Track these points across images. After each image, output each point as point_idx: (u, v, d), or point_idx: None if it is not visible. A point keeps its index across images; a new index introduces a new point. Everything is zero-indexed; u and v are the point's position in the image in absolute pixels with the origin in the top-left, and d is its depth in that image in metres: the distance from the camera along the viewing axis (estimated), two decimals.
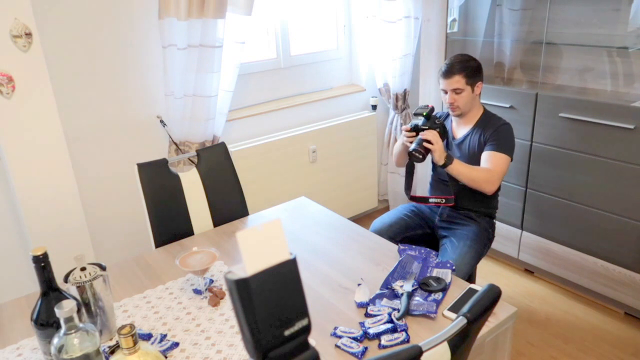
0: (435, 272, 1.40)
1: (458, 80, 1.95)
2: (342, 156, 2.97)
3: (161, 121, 2.34)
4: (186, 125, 2.30)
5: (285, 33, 2.78)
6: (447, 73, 1.97)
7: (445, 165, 1.90)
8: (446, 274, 1.39)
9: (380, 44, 2.88)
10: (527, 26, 2.73)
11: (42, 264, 1.05)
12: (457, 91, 1.96)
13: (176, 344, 1.18)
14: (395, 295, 1.31)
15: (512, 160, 1.97)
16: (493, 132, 1.97)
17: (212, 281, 1.43)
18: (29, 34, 1.77)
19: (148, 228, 1.75)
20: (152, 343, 1.18)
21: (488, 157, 1.94)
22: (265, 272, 0.56)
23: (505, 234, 2.64)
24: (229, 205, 1.89)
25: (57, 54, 2.03)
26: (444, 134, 1.98)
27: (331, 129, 2.88)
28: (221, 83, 2.32)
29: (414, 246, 1.53)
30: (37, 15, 1.87)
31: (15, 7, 1.73)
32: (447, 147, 2.11)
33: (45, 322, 1.06)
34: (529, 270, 2.65)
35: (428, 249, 1.51)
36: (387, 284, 1.36)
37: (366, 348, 1.13)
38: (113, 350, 1.15)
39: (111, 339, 1.21)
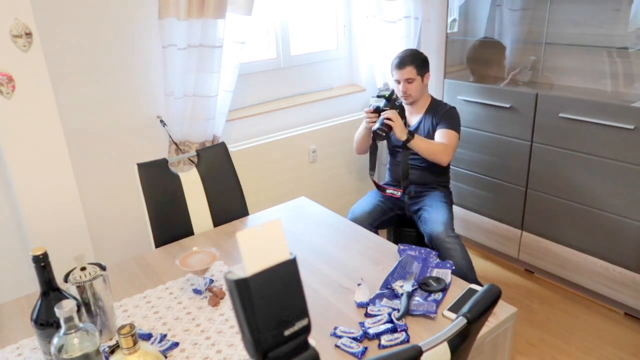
0: (435, 272, 1.40)
1: (410, 71, 2.20)
2: (342, 156, 2.97)
3: (161, 121, 2.34)
4: (186, 125, 2.30)
5: (285, 33, 2.78)
6: (400, 64, 2.22)
7: (407, 141, 2.13)
8: (446, 274, 1.39)
9: (380, 44, 2.88)
10: (527, 26, 2.72)
11: (42, 264, 1.05)
12: (409, 80, 2.21)
13: (176, 344, 1.18)
14: (395, 295, 1.31)
15: (459, 137, 2.24)
16: (443, 114, 2.25)
17: (212, 281, 1.43)
18: (29, 34, 1.77)
19: (148, 228, 1.75)
20: (152, 343, 1.18)
21: (442, 134, 2.19)
22: (265, 272, 0.56)
23: (505, 234, 2.64)
24: (229, 205, 1.89)
25: (57, 54, 2.03)
26: (402, 113, 2.21)
27: (331, 129, 2.88)
28: (221, 83, 2.32)
29: (414, 246, 1.53)
30: (37, 15, 1.87)
31: (15, 7, 1.73)
32: None
33: (45, 322, 1.06)
34: (529, 270, 2.65)
35: (428, 249, 1.51)
36: (387, 284, 1.36)
37: (366, 348, 1.13)
38: (113, 350, 1.15)
39: (111, 339, 1.21)
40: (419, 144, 2.15)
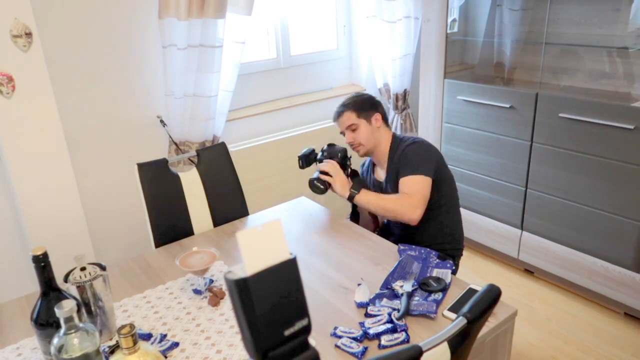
0: (435, 272, 1.40)
1: (349, 117, 1.84)
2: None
3: (161, 121, 2.34)
4: (186, 125, 2.30)
5: (285, 33, 2.78)
6: (337, 115, 1.89)
7: (351, 197, 1.75)
8: (446, 274, 1.39)
9: (380, 44, 2.88)
10: (527, 26, 2.73)
11: (42, 264, 1.05)
12: (352, 127, 1.83)
13: (176, 344, 1.18)
14: (395, 295, 1.31)
15: (432, 177, 1.70)
16: (400, 158, 1.77)
17: (212, 281, 1.43)
18: (29, 34, 1.77)
19: (148, 228, 1.75)
20: (152, 343, 1.18)
21: (401, 185, 1.72)
22: (265, 272, 0.56)
23: (505, 234, 2.64)
24: (229, 205, 1.89)
25: (57, 54, 2.03)
26: (344, 164, 1.86)
27: (331, 129, 2.88)
28: (221, 83, 2.32)
29: (414, 246, 1.53)
30: (37, 15, 1.87)
31: (15, 7, 1.73)
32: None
33: (45, 322, 1.06)
34: (529, 270, 2.65)
35: (428, 249, 1.51)
36: (387, 284, 1.36)
37: (366, 348, 1.13)
38: (113, 350, 1.15)
39: (111, 339, 1.21)
40: (368, 199, 1.72)
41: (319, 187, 1.81)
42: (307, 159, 1.93)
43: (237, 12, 2.25)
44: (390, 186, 1.82)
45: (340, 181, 1.78)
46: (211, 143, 2.39)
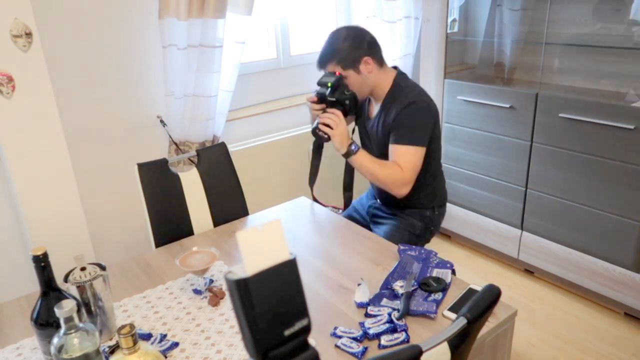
0: (435, 272, 1.40)
1: (333, 69, 1.71)
2: (342, 156, 2.96)
3: (161, 121, 2.34)
4: (186, 125, 2.30)
5: (285, 33, 2.78)
6: (319, 66, 1.75)
7: (347, 155, 1.67)
8: (446, 274, 1.39)
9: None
10: (527, 26, 2.73)
11: (42, 264, 1.05)
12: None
13: (176, 344, 1.18)
14: (395, 296, 1.31)
15: (425, 146, 1.65)
16: (395, 117, 1.67)
17: (212, 281, 1.43)
18: (29, 34, 1.77)
19: (148, 228, 1.75)
20: (152, 343, 1.18)
21: (392, 152, 1.66)
22: (265, 272, 0.56)
23: (505, 234, 2.64)
24: (229, 205, 1.89)
25: (57, 54, 2.03)
26: (353, 108, 1.71)
27: None
28: (221, 83, 2.32)
29: (414, 246, 1.53)
30: (37, 15, 1.87)
31: (15, 7, 1.73)
32: (363, 127, 1.85)
33: (45, 322, 1.06)
34: (529, 270, 2.65)
35: (428, 249, 1.51)
36: (387, 284, 1.36)
37: (366, 348, 1.13)
38: (113, 350, 1.15)
39: (111, 339, 1.21)
40: (361, 162, 1.67)
41: (324, 136, 1.71)
42: (323, 98, 1.76)
43: (237, 12, 2.25)
44: (376, 128, 1.75)
45: (339, 135, 1.67)
46: (211, 143, 2.39)
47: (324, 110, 1.72)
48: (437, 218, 1.90)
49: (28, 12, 1.76)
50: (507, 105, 2.46)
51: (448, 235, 2.98)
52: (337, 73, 1.71)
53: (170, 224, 1.78)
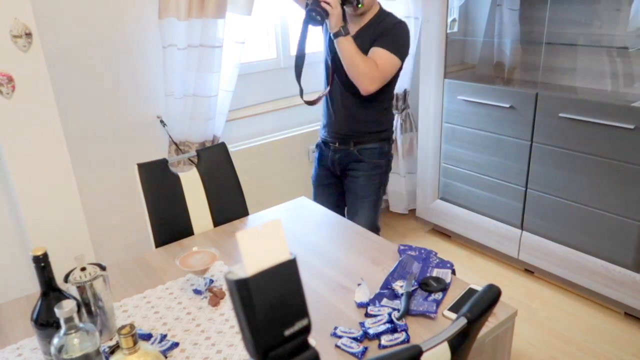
0: (435, 272, 1.40)
1: None
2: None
3: (161, 121, 2.34)
4: (186, 125, 2.30)
5: (285, 33, 2.78)
6: None
7: (337, 35, 1.81)
8: (446, 274, 1.39)
9: None
10: (527, 26, 2.73)
11: (42, 264, 1.05)
12: None
13: (176, 344, 1.18)
14: (395, 295, 1.31)
15: (401, 66, 1.85)
16: (385, 29, 1.86)
17: (212, 281, 1.43)
18: (29, 34, 1.77)
19: (148, 228, 1.75)
20: (152, 343, 1.18)
21: (373, 52, 1.82)
22: (265, 272, 0.56)
23: (505, 234, 2.64)
24: (229, 205, 1.89)
25: (57, 54, 2.03)
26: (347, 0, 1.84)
27: None
28: (221, 83, 2.32)
29: (414, 246, 1.53)
30: (37, 15, 1.87)
31: (15, 7, 1.73)
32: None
33: (45, 322, 1.06)
34: (529, 270, 2.65)
35: (428, 249, 1.51)
36: (387, 284, 1.36)
37: (366, 348, 1.13)
38: (113, 350, 1.15)
39: (111, 339, 1.21)
40: (346, 46, 1.80)
41: (317, 17, 1.80)
42: None
43: (237, 12, 2.25)
44: (358, 43, 1.86)
45: (337, 15, 1.80)
46: (211, 143, 2.39)
47: None
48: (390, 150, 2.15)
49: (28, 12, 1.76)
50: (507, 105, 2.46)
51: (448, 235, 2.98)
52: None
53: (170, 224, 1.78)
